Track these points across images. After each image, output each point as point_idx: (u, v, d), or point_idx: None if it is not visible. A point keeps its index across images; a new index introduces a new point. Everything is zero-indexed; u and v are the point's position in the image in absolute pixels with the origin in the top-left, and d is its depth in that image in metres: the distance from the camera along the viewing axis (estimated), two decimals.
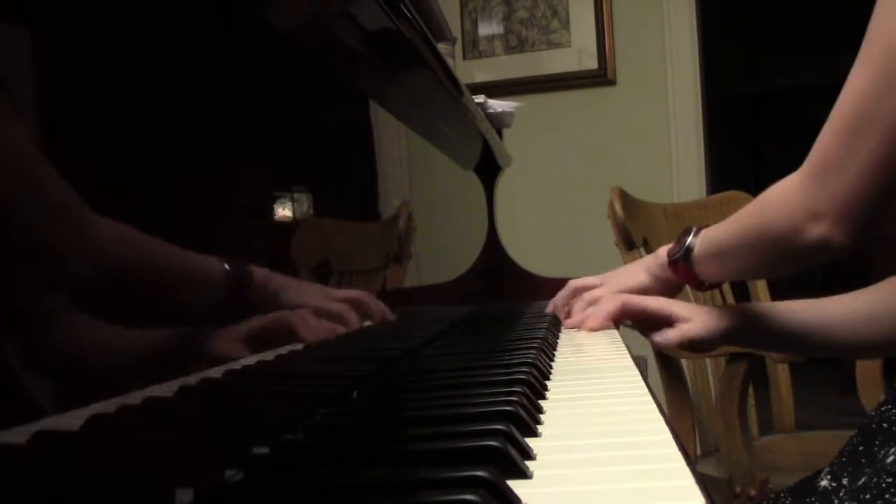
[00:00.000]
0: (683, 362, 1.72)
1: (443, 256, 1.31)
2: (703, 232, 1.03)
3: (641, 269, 1.14)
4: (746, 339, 1.10)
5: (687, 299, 1.52)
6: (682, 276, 1.07)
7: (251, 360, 0.57)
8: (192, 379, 0.49)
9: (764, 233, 0.91)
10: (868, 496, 0.77)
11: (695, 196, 2.54)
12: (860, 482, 0.81)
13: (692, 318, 1.06)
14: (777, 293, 1.93)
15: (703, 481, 0.39)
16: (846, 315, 1.01)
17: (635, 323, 1.13)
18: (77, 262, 0.40)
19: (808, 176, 0.84)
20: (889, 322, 0.98)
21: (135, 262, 0.45)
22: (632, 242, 1.78)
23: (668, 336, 1.07)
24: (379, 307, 0.86)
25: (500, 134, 1.70)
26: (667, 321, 1.08)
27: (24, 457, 0.35)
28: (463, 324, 1.26)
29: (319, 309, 0.71)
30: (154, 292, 0.47)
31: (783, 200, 0.87)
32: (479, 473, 0.37)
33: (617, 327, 1.14)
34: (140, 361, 0.45)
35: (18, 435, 0.35)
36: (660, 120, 2.75)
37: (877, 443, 0.84)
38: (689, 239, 1.04)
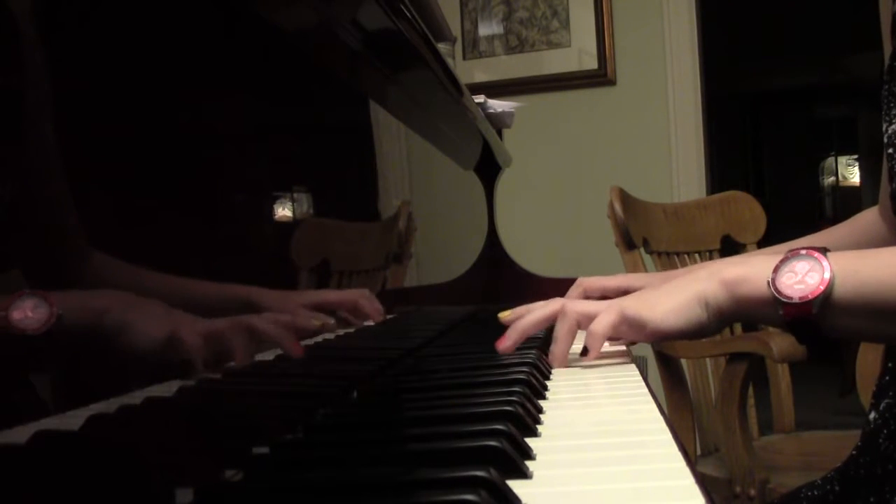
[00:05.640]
0: (683, 362, 1.72)
1: (443, 256, 1.31)
2: (842, 264, 0.67)
3: (695, 302, 0.73)
4: None
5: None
6: (795, 327, 0.69)
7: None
8: (191, 379, 0.49)
9: None
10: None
11: (695, 196, 2.54)
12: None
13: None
14: None
15: (703, 481, 0.39)
16: None
17: None
18: (72, 262, 0.40)
19: None
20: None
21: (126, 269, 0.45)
22: (632, 242, 1.78)
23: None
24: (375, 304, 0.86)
25: (500, 134, 1.70)
26: None
27: (24, 457, 0.35)
28: (463, 324, 1.26)
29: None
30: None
31: None
32: (479, 473, 0.37)
33: None
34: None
35: (18, 435, 0.35)
36: (660, 120, 2.75)
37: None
38: (826, 272, 0.66)
